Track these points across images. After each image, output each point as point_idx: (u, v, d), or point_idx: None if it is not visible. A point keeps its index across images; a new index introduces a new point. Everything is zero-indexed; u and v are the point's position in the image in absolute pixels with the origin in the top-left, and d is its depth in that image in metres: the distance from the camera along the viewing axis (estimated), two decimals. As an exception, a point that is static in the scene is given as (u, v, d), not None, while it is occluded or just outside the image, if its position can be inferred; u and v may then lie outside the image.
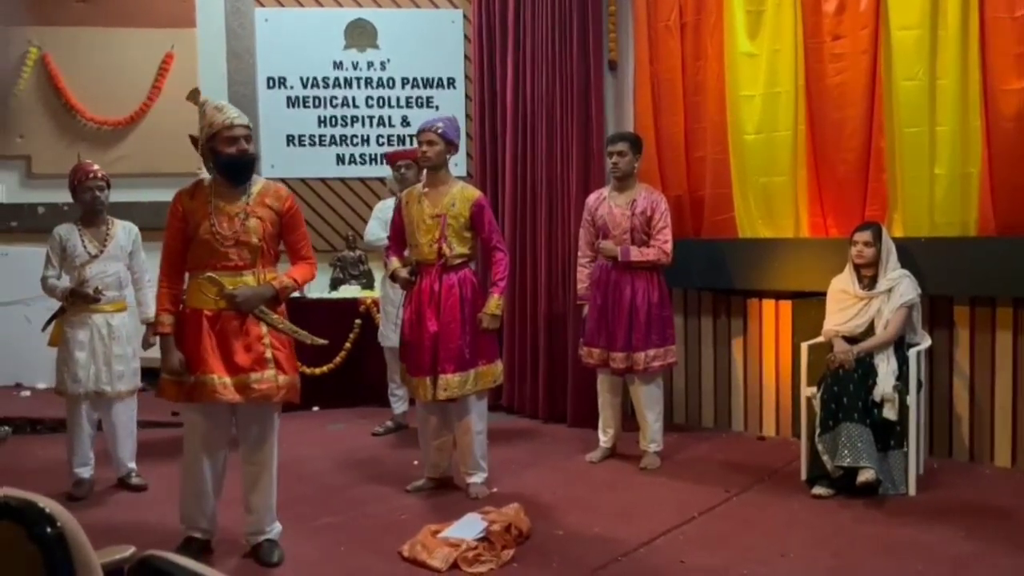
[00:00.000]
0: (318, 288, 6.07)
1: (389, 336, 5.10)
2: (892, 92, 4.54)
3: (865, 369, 4.07)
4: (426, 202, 4.04)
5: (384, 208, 5.16)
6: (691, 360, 5.43)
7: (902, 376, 4.04)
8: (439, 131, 4.04)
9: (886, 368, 4.05)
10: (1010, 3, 4.20)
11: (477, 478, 4.13)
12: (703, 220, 5.28)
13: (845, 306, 4.26)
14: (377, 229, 5.10)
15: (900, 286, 4.15)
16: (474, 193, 4.12)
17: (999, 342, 4.38)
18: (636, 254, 4.50)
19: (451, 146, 4.09)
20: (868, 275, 4.22)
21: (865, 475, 3.85)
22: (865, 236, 4.21)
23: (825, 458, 3.99)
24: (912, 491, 4.01)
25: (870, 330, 4.18)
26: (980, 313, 4.43)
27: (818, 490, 4.02)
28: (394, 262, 4.16)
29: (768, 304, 5.09)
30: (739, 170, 5.08)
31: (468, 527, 3.46)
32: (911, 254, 4.32)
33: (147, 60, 6.43)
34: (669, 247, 4.50)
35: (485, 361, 4.05)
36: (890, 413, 3.97)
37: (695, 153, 5.30)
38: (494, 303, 4.02)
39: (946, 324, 4.51)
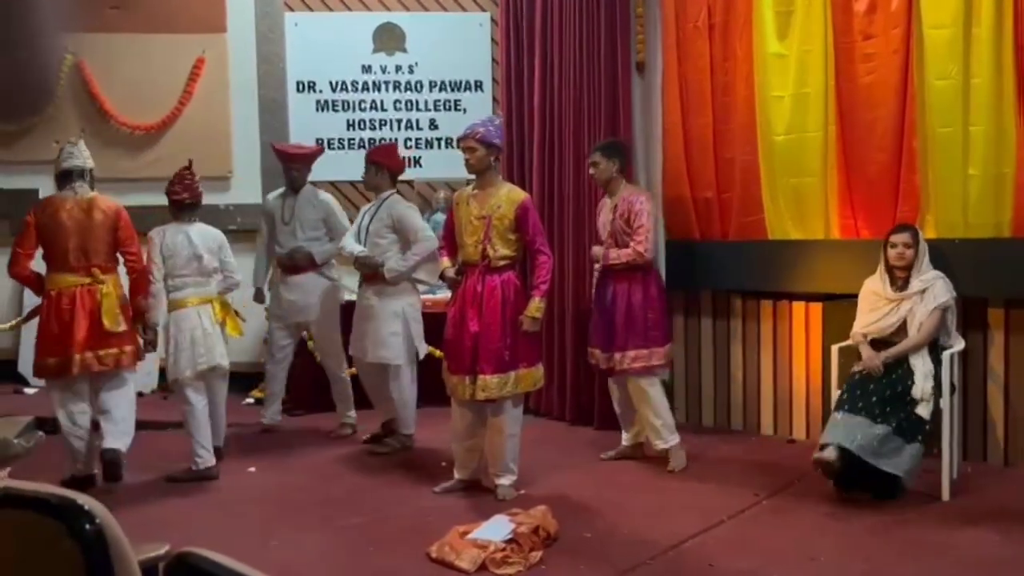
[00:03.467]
0: (347, 291, 6.09)
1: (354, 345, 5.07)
2: (924, 92, 4.49)
3: (897, 372, 4.02)
4: (474, 204, 4.12)
5: (360, 214, 5.09)
6: (720, 362, 5.40)
7: (935, 378, 3.99)
8: (478, 137, 4.09)
9: (923, 368, 3.99)
10: (1046, 0, 4.14)
11: (506, 480, 4.14)
12: (732, 222, 5.24)
13: (876, 307, 4.22)
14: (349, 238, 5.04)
15: (934, 288, 4.10)
16: (520, 195, 4.16)
17: (1035, 345, 4.32)
18: (612, 256, 4.56)
19: (492, 148, 4.12)
20: (902, 276, 4.17)
21: (827, 453, 3.86)
22: (904, 238, 4.15)
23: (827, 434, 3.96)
24: (946, 496, 3.96)
25: (901, 331, 4.13)
26: (1015, 315, 4.37)
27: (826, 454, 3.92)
28: (444, 262, 4.30)
29: (798, 306, 5.05)
30: (768, 171, 5.05)
31: (496, 528, 3.47)
32: (944, 255, 4.26)
33: (179, 65, 6.50)
34: (643, 247, 4.47)
35: (526, 364, 4.07)
36: (924, 411, 3.92)
37: (724, 154, 5.27)
38: (535, 306, 4.05)
39: (980, 326, 4.45)
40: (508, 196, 4.11)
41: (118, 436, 4.28)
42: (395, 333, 4.79)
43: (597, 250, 4.72)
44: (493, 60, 6.34)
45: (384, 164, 4.94)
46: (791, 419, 5.12)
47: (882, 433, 3.86)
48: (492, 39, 6.35)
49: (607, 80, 5.36)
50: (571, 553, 3.44)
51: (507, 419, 4.09)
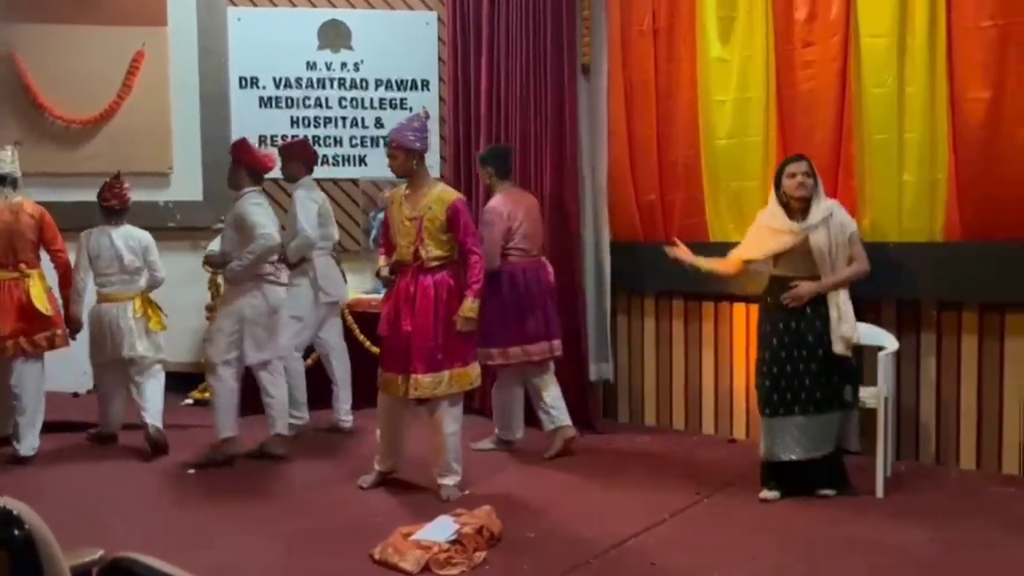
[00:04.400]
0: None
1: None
2: (861, 99, 4.60)
3: (816, 324, 4.01)
4: (406, 205, 4.13)
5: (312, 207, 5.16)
6: (662, 363, 5.46)
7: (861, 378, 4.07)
8: (396, 144, 4.13)
9: (844, 306, 3.98)
10: (976, 14, 4.26)
11: (449, 480, 4.14)
12: (675, 224, 5.31)
13: (780, 243, 4.08)
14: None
15: (838, 215, 4.01)
16: (451, 196, 4.17)
17: (965, 346, 4.45)
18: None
19: (412, 153, 4.12)
20: (800, 207, 4.04)
21: (770, 495, 4.02)
22: (803, 167, 4.03)
23: (768, 444, 4.03)
24: (880, 493, 4.06)
25: (806, 265, 4.02)
26: (946, 317, 4.50)
27: (766, 494, 4.05)
28: (381, 260, 4.34)
29: (739, 307, 5.13)
30: (711, 174, 5.13)
31: (440, 529, 3.45)
32: (880, 259, 4.37)
33: (117, 58, 6.33)
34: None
35: (460, 364, 4.08)
36: (840, 348, 3.94)
37: (667, 157, 5.34)
38: (468, 306, 4.05)
39: (913, 328, 4.57)
40: (439, 197, 4.12)
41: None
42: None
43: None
44: (440, 59, 6.32)
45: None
46: (731, 419, 5.20)
47: (816, 423, 3.94)
48: (439, 38, 6.33)
49: (553, 81, 5.39)
50: (515, 553, 3.45)
51: (445, 418, 4.10)
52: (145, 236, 5.08)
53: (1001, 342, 4.34)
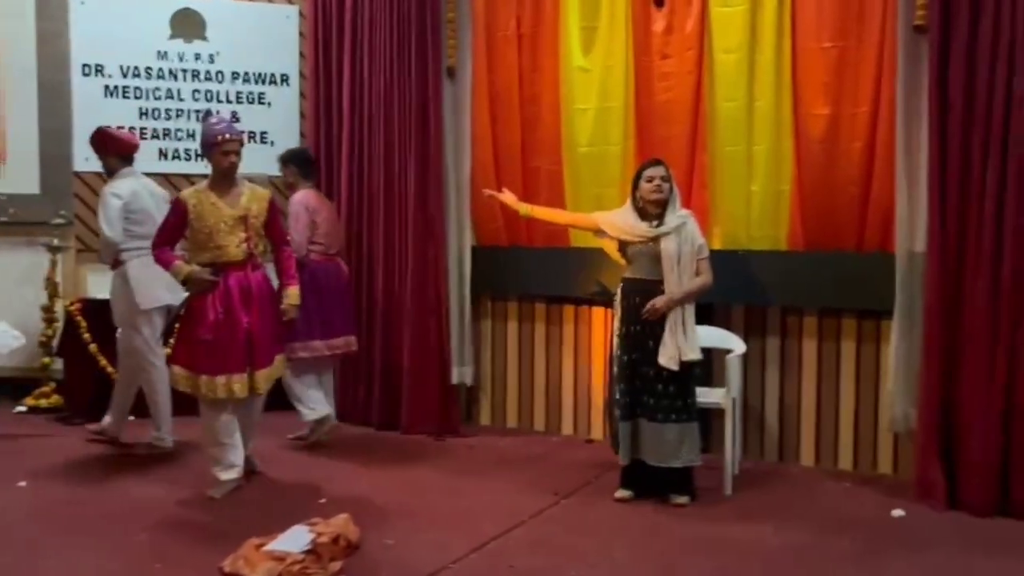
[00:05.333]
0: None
1: None
2: (714, 112, 4.80)
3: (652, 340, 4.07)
4: (222, 204, 4.11)
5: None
6: (524, 365, 5.51)
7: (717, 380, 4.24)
8: (239, 141, 4.21)
9: (673, 327, 4.01)
10: (818, 35, 4.53)
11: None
12: (538, 229, 5.37)
13: (632, 233, 4.13)
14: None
15: (690, 224, 4.07)
16: (266, 193, 4.30)
17: (805, 349, 4.71)
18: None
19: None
20: (656, 213, 4.08)
21: (624, 495, 4.14)
22: (661, 171, 4.07)
23: (621, 447, 4.11)
24: (728, 491, 4.24)
25: (655, 270, 4.06)
26: (790, 322, 4.74)
27: (621, 493, 4.15)
28: (186, 265, 4.14)
29: (598, 311, 5.23)
30: (572, 181, 5.22)
31: (294, 539, 3.34)
32: (730, 266, 4.56)
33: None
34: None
35: (279, 352, 4.32)
36: (664, 360, 3.97)
37: (531, 163, 5.39)
38: (295, 294, 4.28)
39: (759, 332, 4.80)
40: (256, 195, 4.22)
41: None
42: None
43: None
44: (301, 54, 6.15)
45: (105, 151, 4.82)
46: (590, 420, 5.30)
47: (664, 431, 4.01)
48: (300, 32, 6.16)
49: (417, 82, 5.34)
50: (373, 561, 3.39)
51: (261, 403, 4.42)
52: None
53: (838, 345, 4.62)
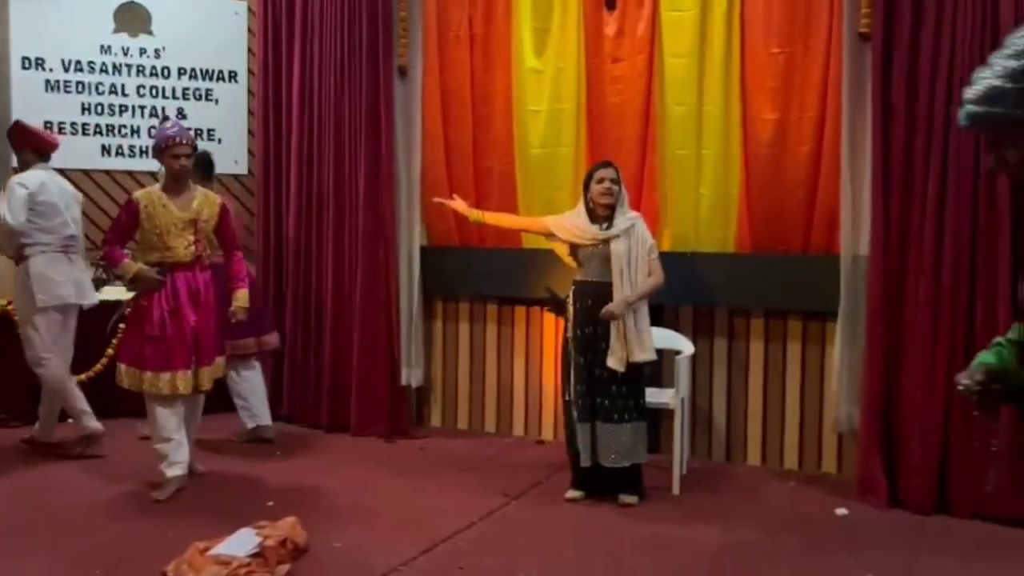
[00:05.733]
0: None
1: None
2: (664, 115, 4.84)
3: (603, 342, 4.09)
4: (173, 207, 4.20)
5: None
6: (476, 367, 5.50)
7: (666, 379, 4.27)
8: (192, 144, 4.29)
9: (624, 329, 4.04)
10: (766, 41, 4.60)
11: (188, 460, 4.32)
12: (489, 230, 5.35)
13: (582, 236, 4.15)
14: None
15: (639, 227, 4.10)
16: (216, 198, 4.41)
17: (752, 350, 4.77)
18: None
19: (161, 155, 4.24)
20: (605, 215, 4.11)
21: (575, 495, 4.15)
22: (611, 173, 4.10)
23: (572, 448, 4.13)
24: (676, 490, 4.28)
25: (606, 271, 4.08)
26: (737, 323, 4.81)
27: (571, 494, 4.17)
28: (133, 264, 4.22)
29: (549, 312, 5.23)
30: (525, 183, 5.22)
31: (240, 543, 3.29)
32: (679, 268, 4.60)
33: None
34: None
35: (221, 352, 4.41)
36: (612, 363, 4.01)
37: (483, 164, 5.38)
38: (245, 297, 4.38)
39: (707, 333, 4.85)
40: (208, 199, 4.33)
41: None
42: None
43: None
44: (250, 51, 6.06)
45: (21, 145, 4.79)
46: (540, 421, 5.31)
47: (616, 431, 4.04)
48: (249, 29, 6.07)
49: (368, 81, 5.30)
50: (321, 564, 3.35)
51: (202, 403, 4.46)
52: None
53: (784, 347, 4.69)
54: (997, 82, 1.66)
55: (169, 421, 4.16)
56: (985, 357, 1.85)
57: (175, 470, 4.16)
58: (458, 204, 4.65)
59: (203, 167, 4.98)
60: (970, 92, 1.71)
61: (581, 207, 4.21)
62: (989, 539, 3.73)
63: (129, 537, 3.61)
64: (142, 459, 4.69)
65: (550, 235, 4.31)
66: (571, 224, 4.21)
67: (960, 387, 1.82)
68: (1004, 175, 1.74)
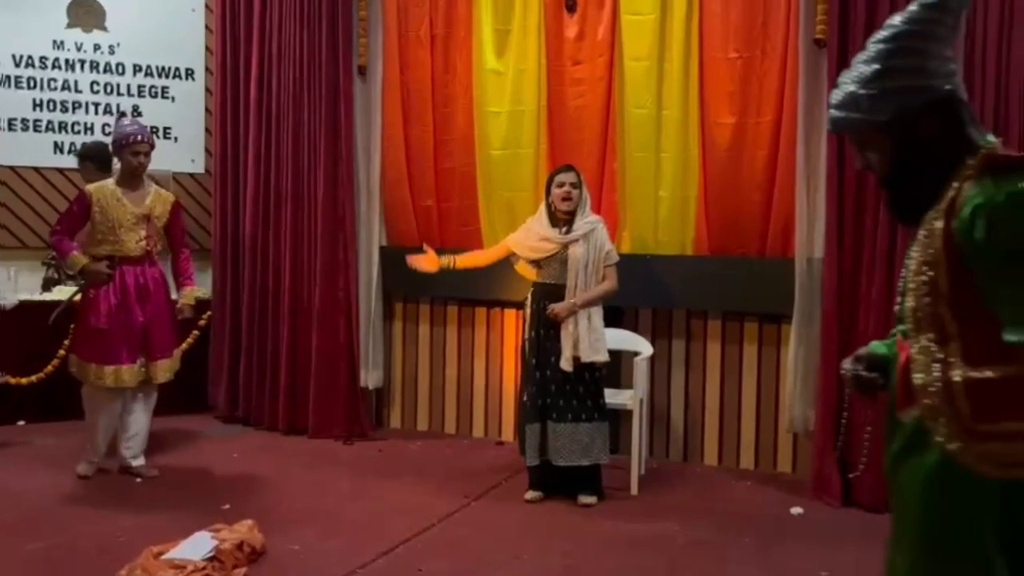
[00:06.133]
0: (27, 289, 5.49)
1: None
2: (624, 118, 4.87)
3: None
4: (127, 202, 4.30)
5: None
6: (436, 368, 5.48)
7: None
8: (150, 142, 4.37)
9: (578, 330, 4.05)
10: (724, 45, 4.65)
11: (143, 458, 4.46)
12: (450, 230, 5.36)
13: (541, 249, 4.18)
14: None
15: (598, 231, 4.10)
16: (171, 196, 4.54)
17: (709, 352, 4.82)
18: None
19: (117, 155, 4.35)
20: (565, 220, 4.13)
21: (533, 496, 4.16)
22: (571, 177, 4.12)
23: (528, 449, 4.13)
24: (635, 490, 4.31)
25: (565, 276, 4.10)
26: (695, 325, 4.85)
27: (530, 495, 4.18)
28: (82, 256, 4.28)
29: (509, 313, 5.25)
30: (485, 184, 5.22)
31: (196, 547, 3.25)
32: (638, 270, 4.63)
33: None
34: None
35: (176, 347, 4.51)
36: (565, 364, 4.02)
37: (444, 164, 5.37)
38: (191, 294, 4.51)
39: (665, 334, 4.89)
40: (161, 196, 4.44)
41: None
42: None
43: None
44: (207, 48, 5.99)
45: None
46: (501, 422, 5.31)
47: (573, 431, 4.05)
48: (207, 26, 5.99)
49: (328, 80, 5.26)
50: (278, 568, 3.31)
51: (154, 400, 4.48)
52: None
53: (740, 348, 4.75)
54: (853, 87, 1.71)
55: (103, 414, 4.30)
56: (876, 346, 1.91)
57: (96, 457, 4.37)
58: (428, 261, 4.40)
59: (96, 159, 4.91)
60: (833, 97, 1.77)
61: (543, 210, 4.22)
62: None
63: (79, 542, 3.53)
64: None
65: (512, 255, 4.30)
66: (524, 237, 4.23)
67: (842, 371, 1.90)
68: (873, 173, 1.82)
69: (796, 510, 4.08)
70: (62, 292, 5.52)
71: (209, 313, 5.61)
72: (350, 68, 5.28)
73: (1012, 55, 3.91)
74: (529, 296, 4.23)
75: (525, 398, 4.17)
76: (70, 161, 5.80)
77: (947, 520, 1.62)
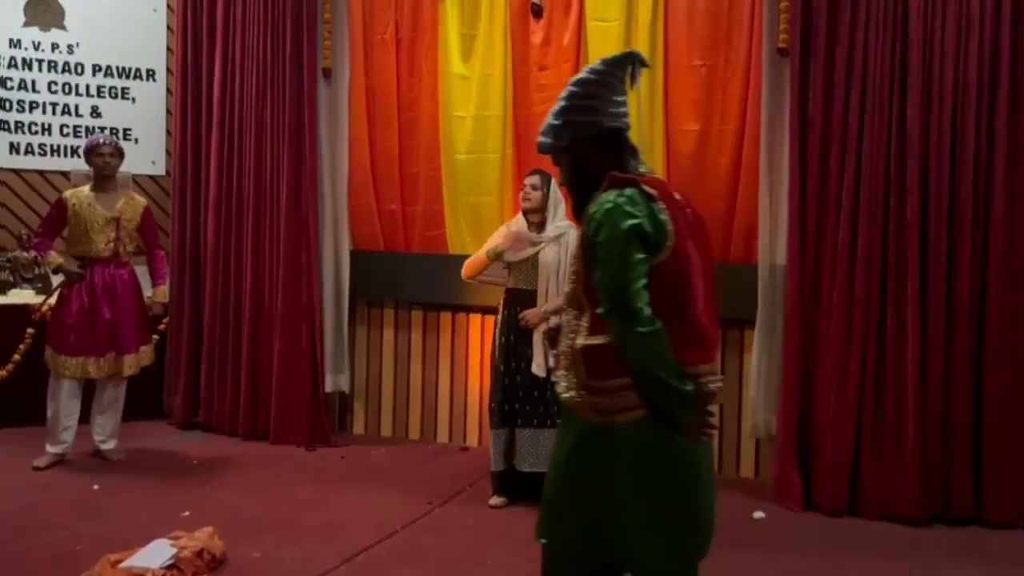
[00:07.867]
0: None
1: None
2: (590, 124, 4.88)
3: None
4: (98, 206, 4.61)
5: None
6: (400, 373, 5.45)
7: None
8: (118, 147, 4.73)
9: (541, 343, 4.06)
10: (689, 53, 4.69)
11: (114, 442, 4.72)
12: (415, 235, 5.34)
13: (518, 248, 4.16)
14: None
15: (570, 236, 4.04)
16: (141, 200, 4.82)
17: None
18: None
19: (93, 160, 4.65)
20: (536, 221, 4.16)
21: (498, 502, 4.15)
22: (534, 180, 4.16)
23: (494, 454, 4.14)
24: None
25: (535, 277, 4.10)
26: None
27: (495, 501, 4.18)
28: (58, 256, 4.62)
29: (474, 318, 5.24)
30: (450, 188, 5.21)
31: (154, 555, 3.20)
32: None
33: None
34: None
35: (146, 343, 4.80)
36: (535, 369, 4.04)
37: (409, 168, 5.35)
38: (164, 293, 4.84)
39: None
40: (131, 201, 4.74)
41: None
42: None
43: None
44: (169, 49, 5.91)
45: None
46: (465, 427, 5.30)
47: (538, 436, 4.05)
48: (168, 26, 5.92)
49: (292, 83, 5.22)
50: (239, 575, 3.26)
51: (123, 391, 4.73)
52: None
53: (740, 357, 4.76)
54: (550, 118, 2.25)
55: (64, 401, 4.53)
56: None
57: (56, 448, 4.55)
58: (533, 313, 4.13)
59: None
60: (543, 124, 2.27)
61: (520, 213, 4.27)
62: (895, 539, 3.86)
63: (36, 549, 3.46)
64: (46, 472, 4.54)
65: (497, 257, 4.20)
66: (511, 236, 4.17)
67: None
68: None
69: (758, 515, 4.12)
70: (19, 296, 5.45)
71: (167, 319, 5.52)
72: (315, 71, 5.24)
73: (968, 63, 3.98)
74: (501, 302, 4.23)
75: (493, 403, 4.16)
76: (28, 162, 5.71)
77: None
